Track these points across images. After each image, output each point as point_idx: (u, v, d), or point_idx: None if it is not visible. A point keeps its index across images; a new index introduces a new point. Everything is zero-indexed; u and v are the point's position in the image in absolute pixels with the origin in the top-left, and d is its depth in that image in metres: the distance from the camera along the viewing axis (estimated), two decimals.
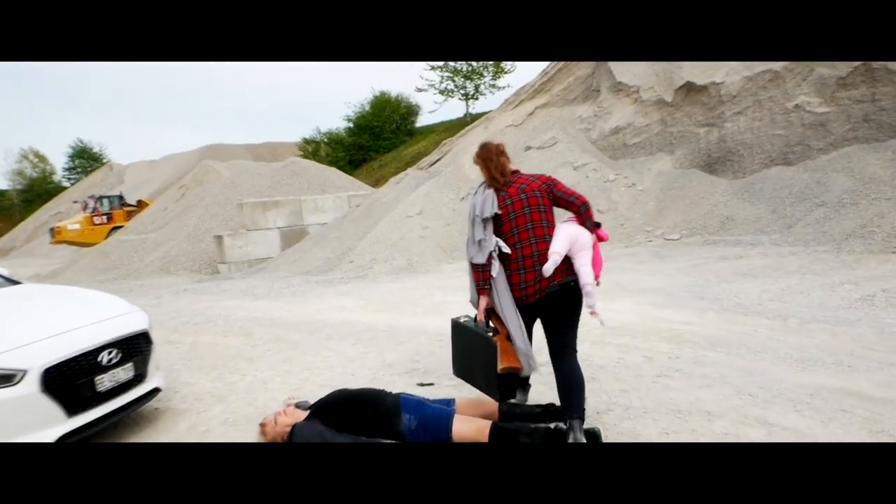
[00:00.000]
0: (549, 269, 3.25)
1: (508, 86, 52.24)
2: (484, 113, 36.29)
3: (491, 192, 3.40)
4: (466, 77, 38.18)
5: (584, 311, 3.42)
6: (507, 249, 3.33)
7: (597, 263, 3.45)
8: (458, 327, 3.75)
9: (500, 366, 3.32)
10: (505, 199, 3.36)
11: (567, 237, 3.33)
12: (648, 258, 10.09)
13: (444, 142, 18.20)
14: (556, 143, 15.08)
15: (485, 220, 3.34)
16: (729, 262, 9.04)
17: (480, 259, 3.33)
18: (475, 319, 3.59)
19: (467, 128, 17.99)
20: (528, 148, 15.22)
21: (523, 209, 3.34)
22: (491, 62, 37.23)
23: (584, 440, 3.16)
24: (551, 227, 3.40)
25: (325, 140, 45.50)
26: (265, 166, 23.47)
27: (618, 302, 6.95)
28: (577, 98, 16.16)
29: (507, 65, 38.38)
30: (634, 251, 10.87)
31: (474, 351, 3.57)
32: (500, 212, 3.35)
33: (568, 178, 13.81)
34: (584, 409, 3.26)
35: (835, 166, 11.12)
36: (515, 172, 3.50)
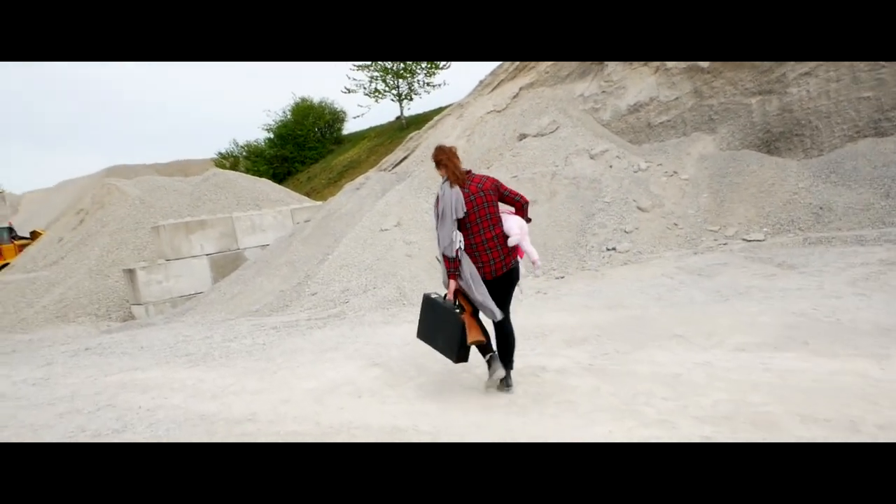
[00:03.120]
0: (513, 241, 4.24)
1: (445, 83, 48.97)
2: (423, 115, 33.03)
3: (458, 191, 4.18)
4: (398, 75, 34.60)
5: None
6: (462, 245, 4.21)
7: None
8: (429, 301, 4.45)
9: (470, 339, 4.19)
10: (469, 196, 4.19)
11: (517, 225, 4.33)
12: (769, 268, 7.14)
13: (410, 136, 15.03)
14: (559, 128, 12.08)
15: (457, 220, 4.15)
16: None
17: (450, 253, 4.16)
18: (445, 297, 4.33)
19: (436, 118, 14.84)
20: (524, 136, 12.14)
21: (483, 204, 4.23)
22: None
23: (511, 384, 4.41)
24: (500, 217, 4.34)
25: (245, 153, 41.28)
26: (182, 181, 19.40)
27: None
28: (572, 73, 13.25)
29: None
30: (726, 259, 7.93)
31: (441, 322, 4.33)
32: (467, 209, 4.18)
33: (587, 169, 10.83)
34: (513, 361, 4.51)
35: None
36: (469, 172, 4.36)
